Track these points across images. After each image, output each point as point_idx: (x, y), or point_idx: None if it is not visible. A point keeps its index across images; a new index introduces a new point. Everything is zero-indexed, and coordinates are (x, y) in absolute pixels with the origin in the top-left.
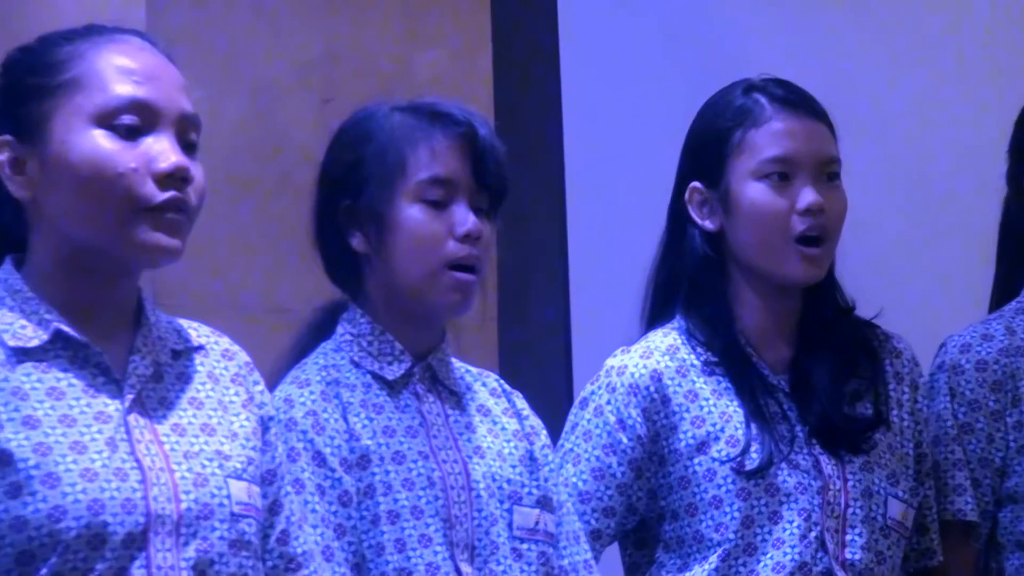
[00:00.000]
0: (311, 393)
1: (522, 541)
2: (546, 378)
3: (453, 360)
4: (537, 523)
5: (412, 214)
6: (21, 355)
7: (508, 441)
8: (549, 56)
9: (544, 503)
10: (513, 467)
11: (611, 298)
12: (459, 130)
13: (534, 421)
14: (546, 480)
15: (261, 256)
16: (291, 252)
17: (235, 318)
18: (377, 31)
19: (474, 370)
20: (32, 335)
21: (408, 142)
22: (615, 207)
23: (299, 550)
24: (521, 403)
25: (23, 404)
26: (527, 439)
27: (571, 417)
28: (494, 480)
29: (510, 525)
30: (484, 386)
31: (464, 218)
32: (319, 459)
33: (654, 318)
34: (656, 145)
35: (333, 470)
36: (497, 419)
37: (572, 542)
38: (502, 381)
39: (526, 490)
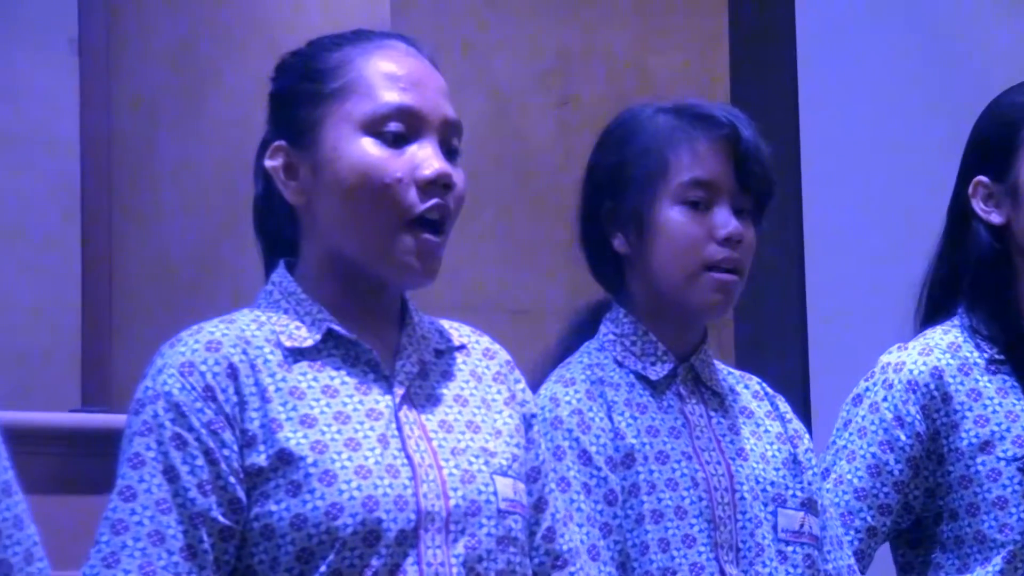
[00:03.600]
0: (576, 392)
1: (787, 543)
2: (783, 376)
3: (715, 361)
4: (802, 526)
5: (672, 216)
6: (297, 355)
7: (771, 444)
8: (786, 57)
9: (809, 506)
10: (776, 470)
11: (848, 295)
12: (722, 132)
13: (797, 425)
14: (809, 483)
15: (497, 257)
16: (527, 253)
17: (471, 319)
18: (613, 33)
19: (736, 372)
20: (306, 335)
21: (670, 144)
22: (851, 205)
23: (565, 547)
24: (784, 406)
25: (300, 403)
26: (790, 442)
27: (843, 414)
28: (758, 482)
29: (775, 527)
30: (747, 388)
31: (725, 221)
32: (585, 457)
33: (931, 315)
34: (893, 144)
35: (599, 469)
36: (760, 421)
37: (836, 546)
38: (764, 383)
39: (790, 492)
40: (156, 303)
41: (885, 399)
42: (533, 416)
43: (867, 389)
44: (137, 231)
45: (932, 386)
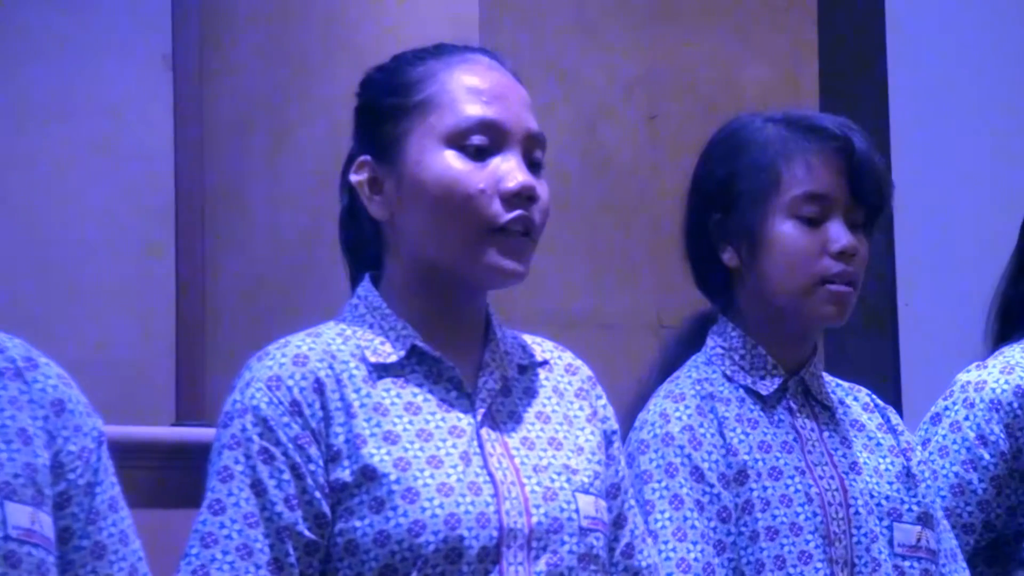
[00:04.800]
0: (687, 407)
1: (904, 559)
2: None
3: (824, 374)
4: (919, 540)
5: (785, 230)
6: (381, 371)
7: (884, 457)
8: (876, 70)
9: (925, 520)
10: (890, 483)
11: (940, 310)
12: (835, 144)
13: (909, 437)
14: (924, 496)
15: (584, 271)
16: (613, 267)
17: (556, 332)
18: (702, 47)
19: (845, 384)
20: (391, 351)
21: (783, 156)
22: (943, 219)
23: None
24: (895, 418)
25: (384, 420)
26: (903, 455)
27: (920, 433)
28: (872, 497)
29: (891, 542)
30: (856, 400)
31: (839, 235)
32: (697, 474)
33: (1007, 333)
34: (987, 158)
35: (712, 485)
36: (872, 434)
37: (951, 559)
38: (874, 395)
39: (905, 507)
40: (248, 317)
41: (967, 418)
42: (614, 432)
43: (946, 408)
44: (229, 245)
45: (1015, 404)
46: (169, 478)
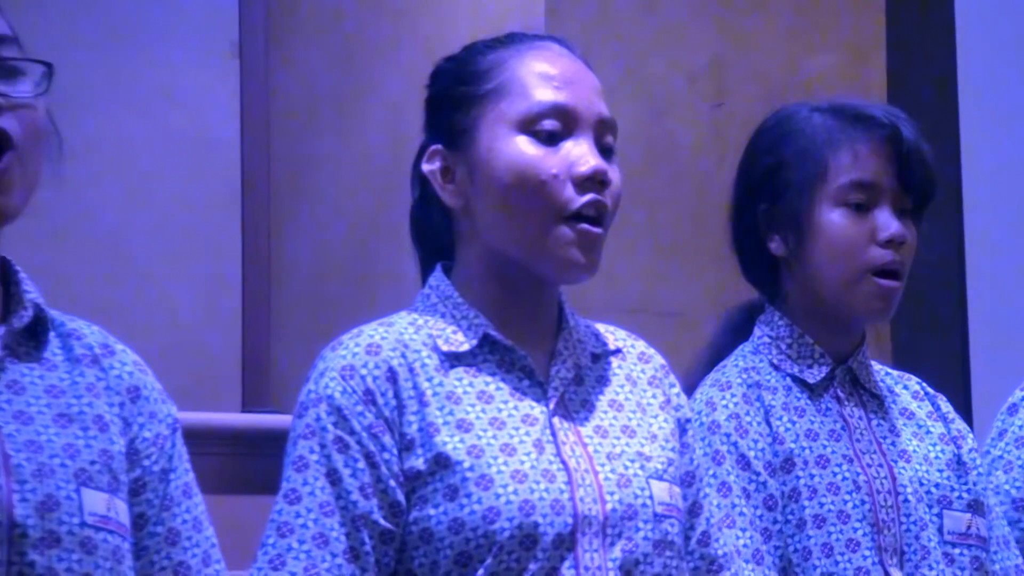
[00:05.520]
0: (733, 396)
1: (954, 546)
2: (942, 380)
3: (873, 363)
4: (969, 527)
5: (833, 219)
6: (453, 360)
7: (934, 445)
8: (945, 58)
9: (975, 507)
10: (940, 471)
11: (1009, 297)
12: (883, 133)
13: (960, 424)
14: (975, 484)
15: (648, 259)
16: (678, 255)
17: (621, 321)
18: (767, 35)
19: (895, 373)
20: (463, 340)
21: (829, 145)
22: (1012, 209)
23: (720, 552)
24: (946, 406)
25: (456, 408)
26: (954, 443)
27: (997, 424)
28: (921, 484)
29: (940, 530)
30: (906, 389)
31: (887, 223)
32: (743, 462)
33: None
34: None
35: (758, 473)
36: (922, 422)
37: (1003, 547)
38: (924, 384)
39: (956, 494)
40: (314, 303)
41: None
42: (688, 420)
43: (1022, 399)
44: (295, 232)
45: None
46: (241, 464)
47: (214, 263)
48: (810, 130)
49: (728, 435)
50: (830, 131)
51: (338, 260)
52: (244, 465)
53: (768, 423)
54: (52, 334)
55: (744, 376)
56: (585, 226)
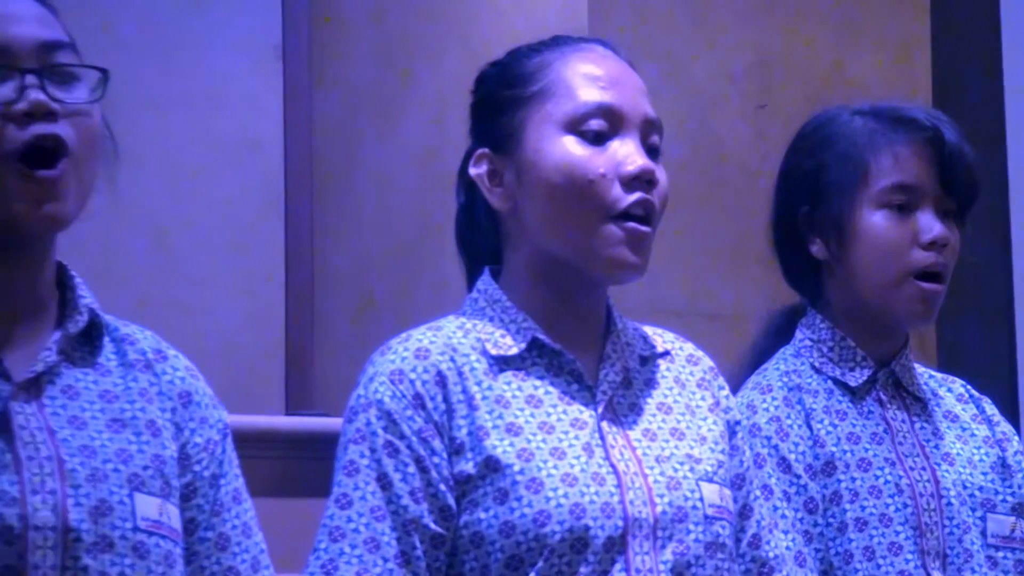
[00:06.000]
0: (774, 399)
1: (997, 549)
2: (988, 382)
3: (916, 366)
4: (1013, 530)
5: (875, 221)
6: (502, 364)
7: (978, 448)
8: (991, 57)
9: (1019, 510)
10: (984, 474)
11: None
12: (924, 135)
13: (1005, 427)
14: (1020, 487)
15: (693, 260)
16: (722, 257)
17: (665, 322)
18: (811, 36)
19: (938, 375)
20: (511, 344)
21: (870, 148)
22: None
23: (771, 554)
24: (991, 408)
25: (506, 412)
26: (998, 445)
27: None
28: (965, 487)
29: (984, 533)
30: (950, 391)
31: (929, 225)
32: (784, 465)
33: None
34: None
35: (798, 476)
36: (966, 425)
37: None
38: (969, 386)
39: (1000, 497)
40: (356, 305)
41: None
42: (737, 423)
43: None
44: (338, 234)
45: None
46: (285, 467)
47: (258, 265)
48: (851, 133)
49: (769, 438)
50: (871, 134)
51: (381, 262)
52: (288, 468)
53: (809, 426)
54: (106, 339)
55: (785, 379)
56: (633, 224)
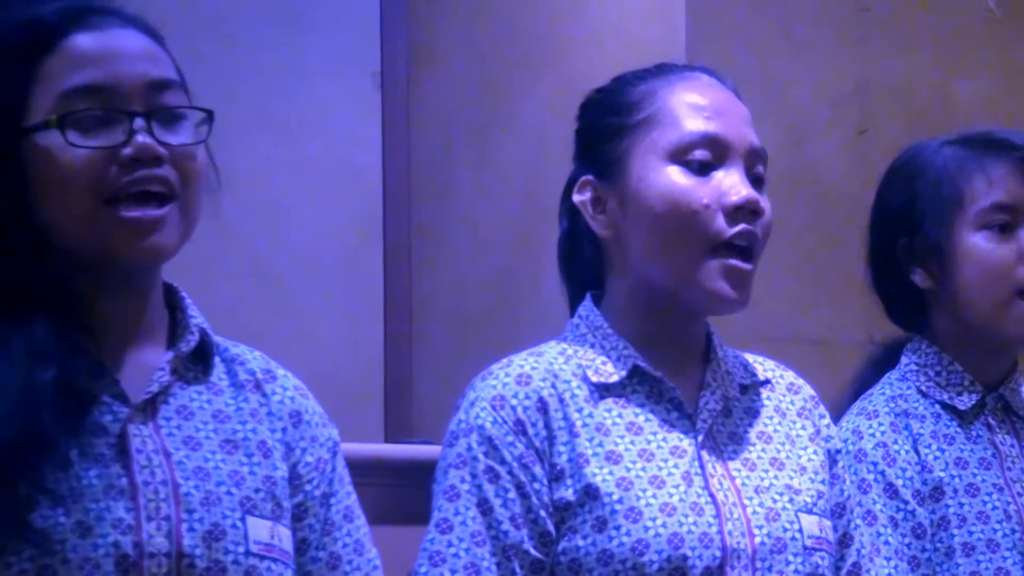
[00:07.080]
0: (880, 424)
1: None
2: None
3: None
4: None
5: (977, 242)
6: (603, 391)
7: None
8: None
9: None
10: None
11: None
12: (1017, 155)
13: None
14: None
15: (792, 288)
16: (822, 284)
17: (765, 350)
18: (912, 60)
19: None
20: (612, 371)
21: (962, 173)
22: None
23: None
24: None
25: (606, 439)
26: None
27: None
28: None
29: None
30: None
31: None
32: (891, 491)
33: None
34: None
35: (906, 502)
36: None
37: None
38: None
39: None
40: (455, 331)
41: None
42: (838, 451)
43: None
44: (436, 261)
45: None
46: (386, 495)
47: (356, 292)
48: (941, 161)
49: (875, 464)
50: (962, 160)
51: (479, 289)
52: (389, 495)
53: (916, 451)
54: (217, 359)
55: (892, 404)
56: (734, 262)
